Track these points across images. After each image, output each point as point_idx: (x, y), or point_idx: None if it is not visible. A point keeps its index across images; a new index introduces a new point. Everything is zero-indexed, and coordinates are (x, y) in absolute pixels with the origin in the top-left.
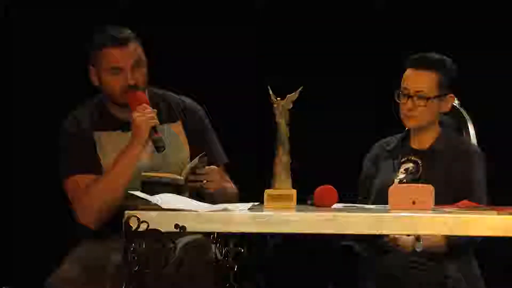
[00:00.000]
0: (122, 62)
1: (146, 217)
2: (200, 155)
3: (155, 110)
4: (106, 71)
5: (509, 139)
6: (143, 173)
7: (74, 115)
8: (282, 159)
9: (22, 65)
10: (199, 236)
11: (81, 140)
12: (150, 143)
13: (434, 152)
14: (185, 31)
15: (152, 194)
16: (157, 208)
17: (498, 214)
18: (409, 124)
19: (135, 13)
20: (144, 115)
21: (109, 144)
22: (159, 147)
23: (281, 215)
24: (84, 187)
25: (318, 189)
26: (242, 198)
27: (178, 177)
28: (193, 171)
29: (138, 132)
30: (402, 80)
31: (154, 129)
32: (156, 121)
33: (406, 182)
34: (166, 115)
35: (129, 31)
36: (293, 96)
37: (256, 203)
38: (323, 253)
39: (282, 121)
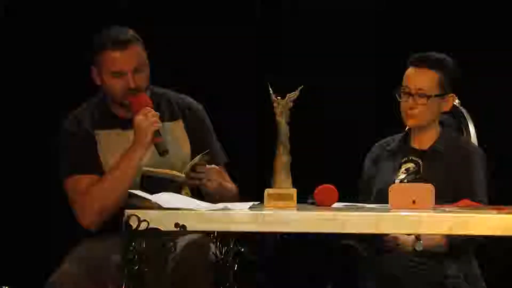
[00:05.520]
0: (123, 67)
1: (146, 216)
2: (203, 152)
3: (158, 113)
4: (107, 74)
5: (509, 139)
6: (144, 168)
7: (75, 115)
8: (282, 158)
9: (22, 65)
10: (199, 235)
11: (81, 139)
12: (152, 146)
13: (434, 152)
14: (185, 30)
15: (152, 190)
16: (157, 207)
17: (498, 213)
18: (410, 122)
19: (135, 12)
20: (148, 118)
21: (108, 142)
22: (162, 152)
23: (281, 215)
24: (85, 189)
25: (319, 188)
26: (242, 198)
27: (179, 174)
28: (193, 168)
29: (141, 135)
30: (403, 78)
31: (157, 132)
32: (160, 124)
33: (407, 182)
34: (167, 113)
35: (131, 33)
36: (294, 95)
37: (256, 203)
38: (323, 253)
39: (282, 120)
